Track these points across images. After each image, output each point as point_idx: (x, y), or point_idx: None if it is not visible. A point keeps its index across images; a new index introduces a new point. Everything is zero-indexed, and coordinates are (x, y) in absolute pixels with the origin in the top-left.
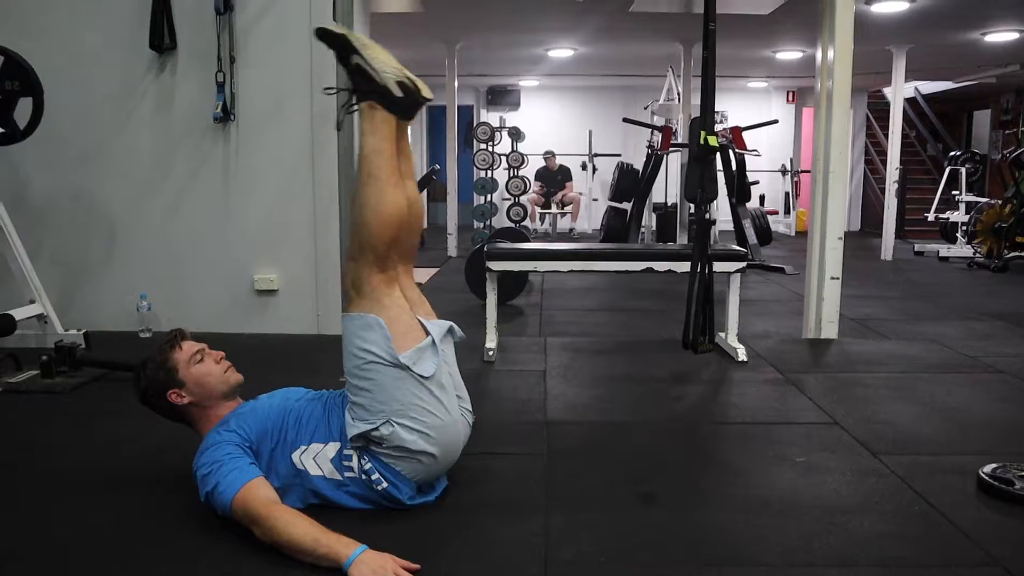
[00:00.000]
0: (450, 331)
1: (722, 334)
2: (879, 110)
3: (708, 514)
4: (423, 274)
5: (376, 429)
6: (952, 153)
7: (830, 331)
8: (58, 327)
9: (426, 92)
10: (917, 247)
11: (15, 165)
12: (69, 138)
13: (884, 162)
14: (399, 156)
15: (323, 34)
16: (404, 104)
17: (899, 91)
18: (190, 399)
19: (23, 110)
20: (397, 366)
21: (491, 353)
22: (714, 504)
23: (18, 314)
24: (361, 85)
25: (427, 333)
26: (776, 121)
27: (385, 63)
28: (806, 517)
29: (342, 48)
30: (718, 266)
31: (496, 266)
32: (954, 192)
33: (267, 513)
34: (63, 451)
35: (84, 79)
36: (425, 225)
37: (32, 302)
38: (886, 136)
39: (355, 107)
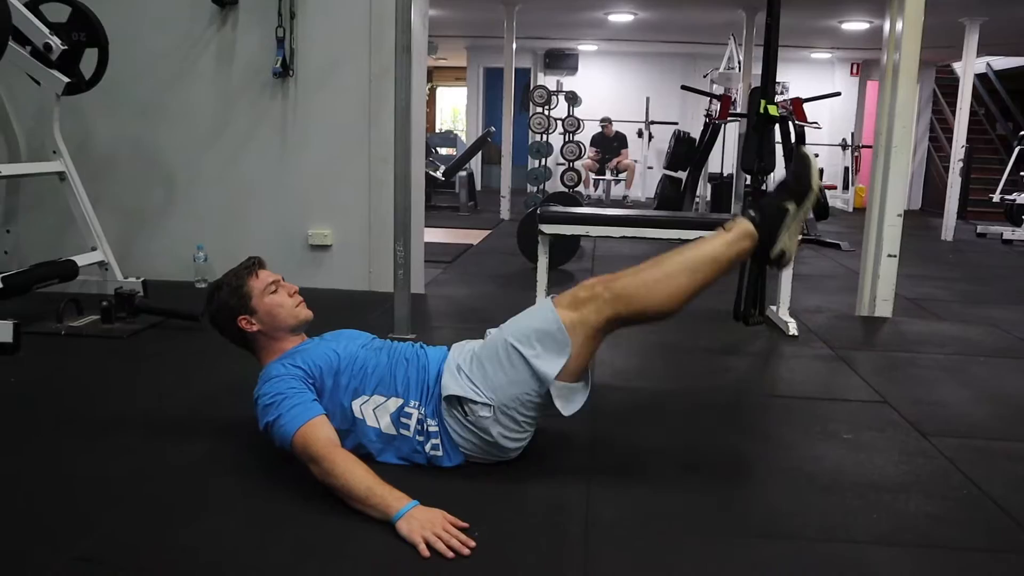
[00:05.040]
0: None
1: (773, 307)
2: (947, 85)
3: (751, 486)
4: (476, 235)
5: (476, 403)
6: (1022, 133)
7: (884, 309)
8: (118, 274)
9: (784, 267)
10: (980, 228)
11: (80, 115)
12: (132, 90)
13: (950, 139)
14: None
15: (804, 162)
16: (761, 262)
17: (970, 66)
18: (259, 327)
19: (89, 61)
20: (542, 383)
21: None
22: (757, 476)
23: (80, 260)
24: (768, 222)
25: (587, 381)
26: (839, 93)
27: (795, 233)
28: (850, 494)
29: (798, 189)
30: None
31: (548, 229)
32: (1022, 173)
33: (326, 454)
34: (118, 394)
35: (147, 31)
36: (479, 187)
37: (94, 249)
38: (953, 113)
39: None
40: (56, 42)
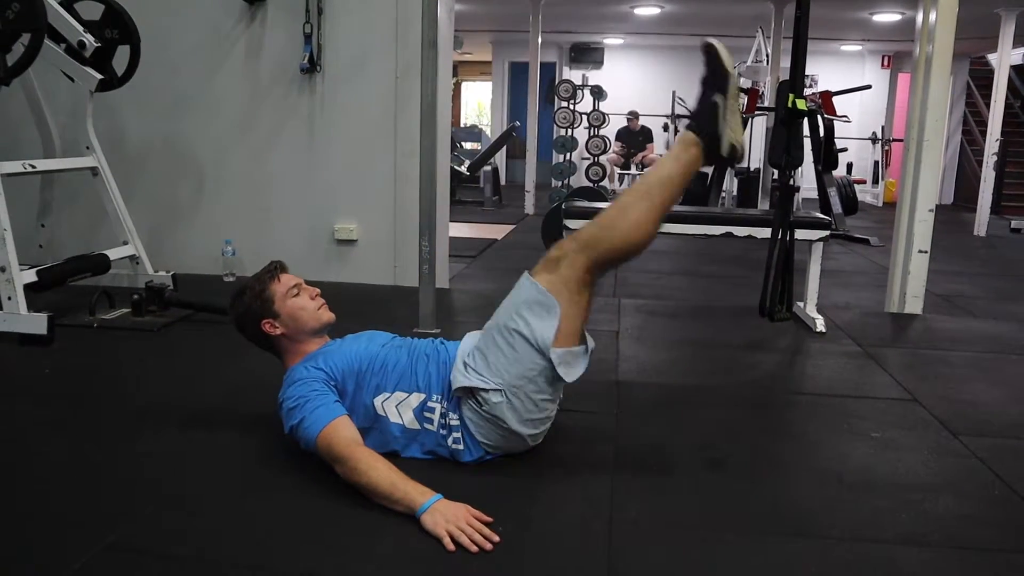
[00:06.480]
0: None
1: (800, 304)
2: (982, 77)
3: (776, 484)
4: (500, 230)
5: (487, 391)
6: None
7: (914, 306)
8: (149, 268)
9: (739, 159)
10: (1014, 223)
11: (113, 112)
12: (162, 86)
13: (983, 132)
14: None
15: (711, 53)
16: (719, 162)
17: (1005, 58)
18: (282, 330)
19: (121, 58)
20: (543, 355)
21: None
22: (783, 474)
23: (112, 254)
24: (703, 122)
25: (584, 341)
26: (869, 86)
27: (736, 122)
28: (878, 493)
29: (717, 80)
30: (800, 234)
31: (573, 224)
32: None
33: (349, 453)
34: (149, 385)
35: (178, 29)
36: (504, 182)
37: (125, 243)
38: (987, 105)
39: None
40: (90, 39)
